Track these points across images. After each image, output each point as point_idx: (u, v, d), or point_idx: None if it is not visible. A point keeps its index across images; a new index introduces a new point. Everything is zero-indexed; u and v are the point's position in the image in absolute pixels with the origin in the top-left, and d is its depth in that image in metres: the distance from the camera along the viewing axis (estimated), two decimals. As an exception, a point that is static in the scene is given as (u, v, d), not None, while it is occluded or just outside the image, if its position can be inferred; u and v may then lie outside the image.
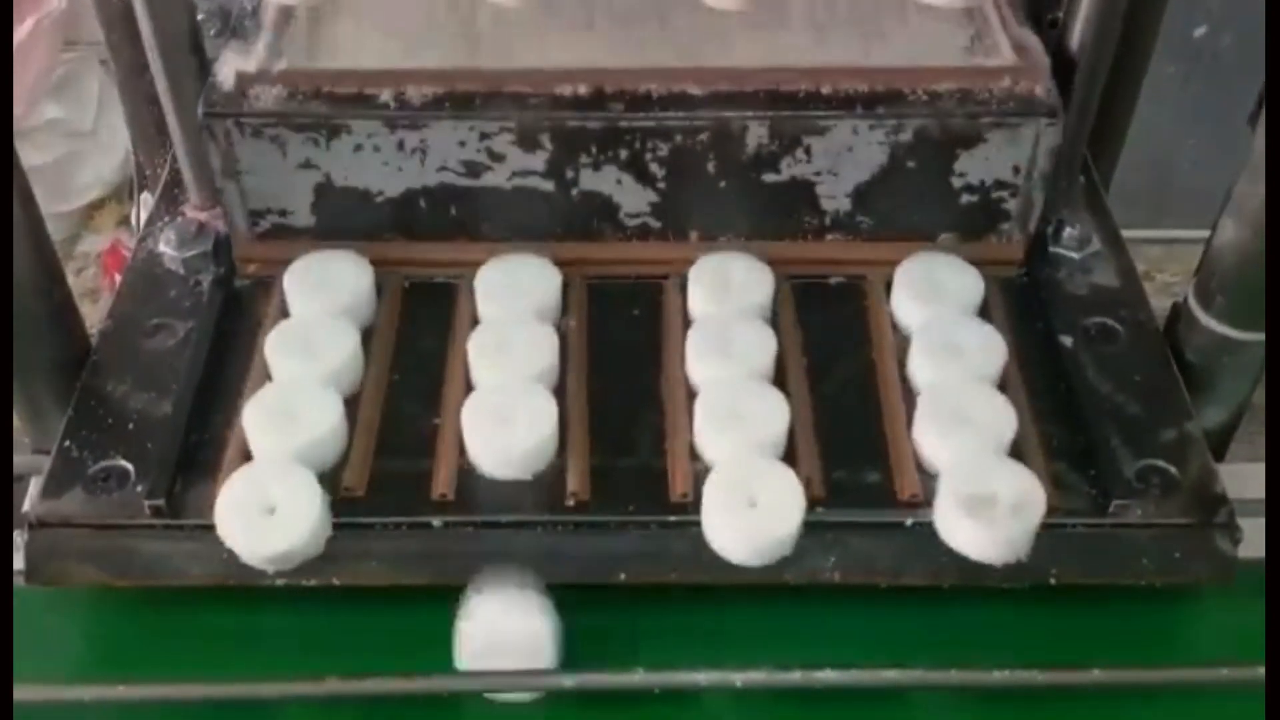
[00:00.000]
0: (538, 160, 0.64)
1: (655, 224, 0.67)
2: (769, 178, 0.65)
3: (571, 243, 0.67)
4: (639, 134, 0.63)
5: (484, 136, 0.63)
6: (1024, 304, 0.67)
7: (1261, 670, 0.50)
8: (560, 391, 0.61)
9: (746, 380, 0.61)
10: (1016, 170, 0.65)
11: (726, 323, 0.63)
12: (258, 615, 0.58)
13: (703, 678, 0.54)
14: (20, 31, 1.42)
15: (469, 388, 0.61)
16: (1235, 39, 1.39)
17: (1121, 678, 0.54)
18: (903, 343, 0.64)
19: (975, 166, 0.65)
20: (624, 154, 0.64)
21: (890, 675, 0.54)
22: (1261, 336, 0.63)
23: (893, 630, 0.57)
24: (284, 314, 0.64)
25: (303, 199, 0.66)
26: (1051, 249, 0.68)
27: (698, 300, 0.65)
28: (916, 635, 0.57)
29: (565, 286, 0.66)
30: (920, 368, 0.62)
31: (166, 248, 0.68)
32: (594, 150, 0.64)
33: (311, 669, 0.54)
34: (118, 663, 0.58)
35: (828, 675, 0.54)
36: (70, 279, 0.70)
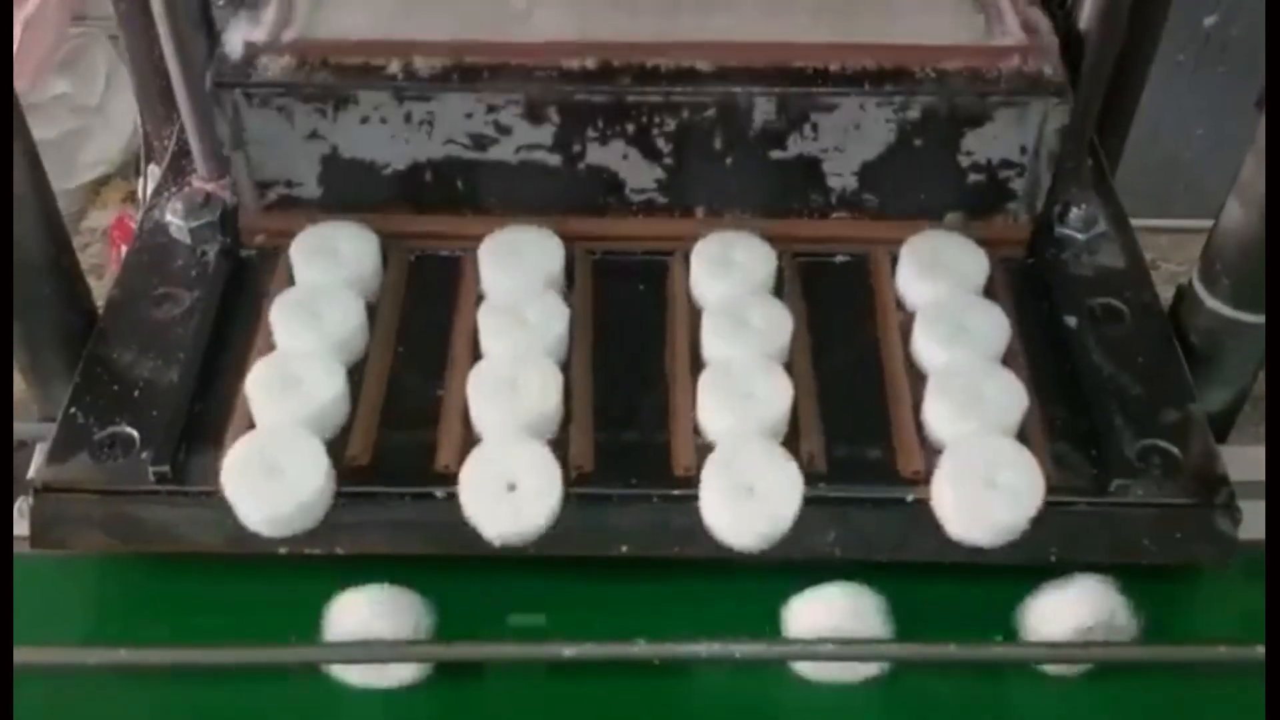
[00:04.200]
0: (544, 134, 0.64)
1: (661, 200, 0.67)
2: (776, 154, 0.65)
3: (577, 218, 0.67)
4: (646, 109, 0.63)
5: (491, 109, 0.63)
6: (1029, 284, 0.67)
7: (1260, 649, 0.50)
8: (565, 365, 0.61)
9: (753, 358, 0.61)
10: (1024, 150, 0.65)
11: (743, 301, 0.63)
12: (260, 583, 0.58)
13: (703, 649, 0.54)
14: (29, 5, 1.42)
15: (475, 359, 0.61)
16: (1245, 29, 1.39)
17: (1118, 654, 0.55)
18: (907, 321, 0.64)
19: (983, 145, 0.65)
20: (631, 128, 0.64)
21: (889, 649, 0.54)
22: (1264, 318, 0.63)
23: (893, 606, 0.57)
24: (290, 284, 0.64)
25: (310, 170, 0.66)
26: (1058, 230, 0.68)
27: (703, 278, 0.65)
28: (917, 611, 0.57)
29: (570, 262, 0.66)
30: (925, 346, 0.62)
31: (173, 218, 0.68)
32: (601, 124, 0.64)
33: (313, 636, 0.54)
34: (120, 628, 0.58)
35: (827, 648, 0.54)
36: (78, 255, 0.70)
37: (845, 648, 0.53)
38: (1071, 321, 0.64)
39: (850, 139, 0.64)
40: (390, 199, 0.67)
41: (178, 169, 0.72)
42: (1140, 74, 0.79)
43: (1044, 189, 0.67)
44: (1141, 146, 0.84)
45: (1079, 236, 0.68)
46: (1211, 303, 0.63)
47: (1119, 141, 0.82)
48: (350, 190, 0.67)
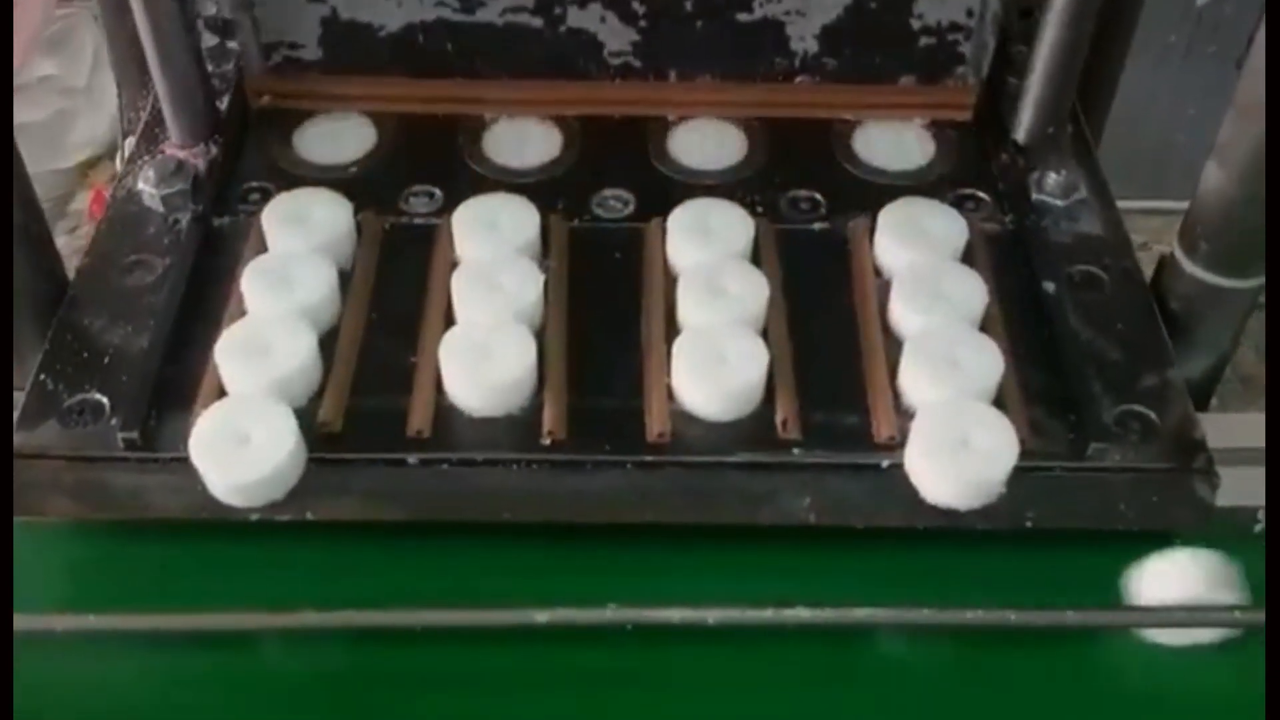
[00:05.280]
0: (527, -4, 0.68)
1: (636, 63, 0.71)
2: (742, 17, 0.69)
3: (559, 81, 0.72)
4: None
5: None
6: (1008, 250, 0.66)
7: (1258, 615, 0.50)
8: (540, 331, 0.61)
9: (727, 324, 0.60)
10: (970, 13, 0.69)
11: (719, 267, 0.63)
12: (232, 550, 0.57)
13: (675, 614, 0.54)
14: (16, -14, 1.41)
15: (449, 326, 0.60)
16: (1237, 8, 1.38)
17: (1096, 619, 0.54)
18: (885, 287, 0.64)
19: (933, 9, 0.69)
20: (607, -9, 0.68)
21: (862, 614, 0.54)
22: (1246, 284, 0.63)
23: (868, 570, 0.57)
24: (263, 251, 0.64)
25: (311, 32, 0.70)
26: (1036, 196, 0.68)
27: (679, 245, 0.65)
28: (892, 576, 0.57)
29: (546, 229, 0.66)
30: (901, 312, 0.62)
31: (145, 185, 0.67)
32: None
33: (285, 603, 0.54)
34: (90, 595, 0.57)
35: (800, 613, 0.53)
36: (64, 238, 0.69)
37: (819, 612, 0.53)
38: (1050, 287, 0.63)
39: (811, 2, 0.69)
40: (385, 62, 0.71)
41: (151, 137, 0.71)
42: (1121, 45, 0.79)
43: (989, 52, 0.72)
44: (1134, 128, 0.84)
45: (1058, 203, 0.67)
46: (1191, 269, 0.63)
47: (1102, 111, 0.82)
48: (348, 53, 0.71)
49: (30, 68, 1.52)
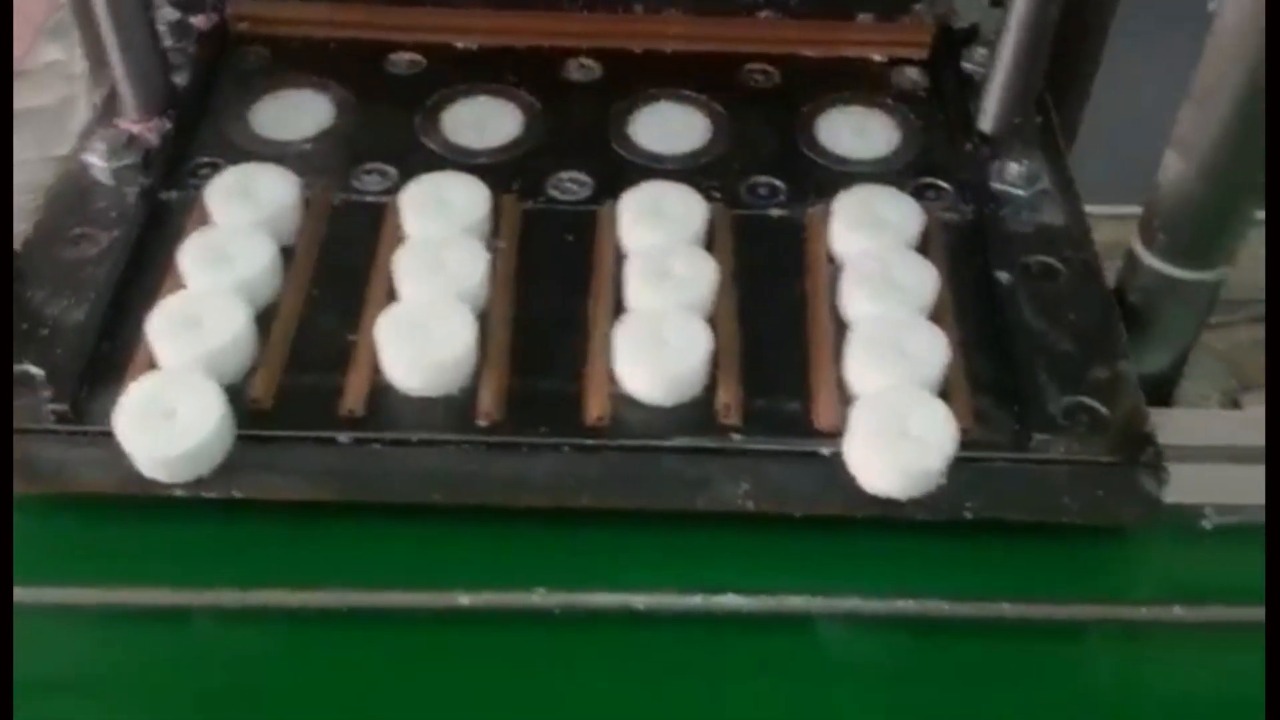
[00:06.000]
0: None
1: None
2: None
3: (525, 11, 0.75)
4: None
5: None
6: (966, 240, 0.65)
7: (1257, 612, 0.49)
8: (484, 312, 0.60)
9: (673, 308, 0.59)
10: None
11: (668, 250, 0.62)
12: (160, 527, 0.57)
13: (603, 599, 0.53)
14: (20, -29, 1.41)
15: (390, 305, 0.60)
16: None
17: (1031, 613, 0.53)
18: (838, 274, 0.63)
19: None
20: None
21: (795, 602, 0.53)
22: (1206, 276, 0.62)
23: (805, 560, 0.56)
24: (206, 225, 0.63)
25: None
26: (997, 185, 0.67)
27: (631, 228, 0.64)
28: (830, 566, 0.56)
29: (497, 210, 0.65)
30: (850, 298, 0.61)
31: (96, 159, 0.67)
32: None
33: (212, 582, 0.53)
34: (19, 568, 0.57)
35: (730, 600, 0.53)
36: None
37: (750, 599, 0.52)
38: (1004, 277, 0.62)
39: None
40: None
41: (107, 110, 0.71)
42: (1097, 38, 0.78)
43: None
44: (1139, 133, 0.82)
45: (1020, 193, 0.66)
46: (1149, 260, 0.62)
47: (1078, 104, 0.80)
48: None
49: (36, 53, 1.52)
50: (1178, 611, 0.53)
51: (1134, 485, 0.55)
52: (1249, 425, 0.63)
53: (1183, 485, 0.56)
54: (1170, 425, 0.60)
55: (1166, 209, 0.60)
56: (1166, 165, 0.60)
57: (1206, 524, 0.58)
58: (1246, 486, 0.59)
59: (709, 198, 0.66)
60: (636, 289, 0.60)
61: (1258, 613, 0.53)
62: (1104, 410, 0.57)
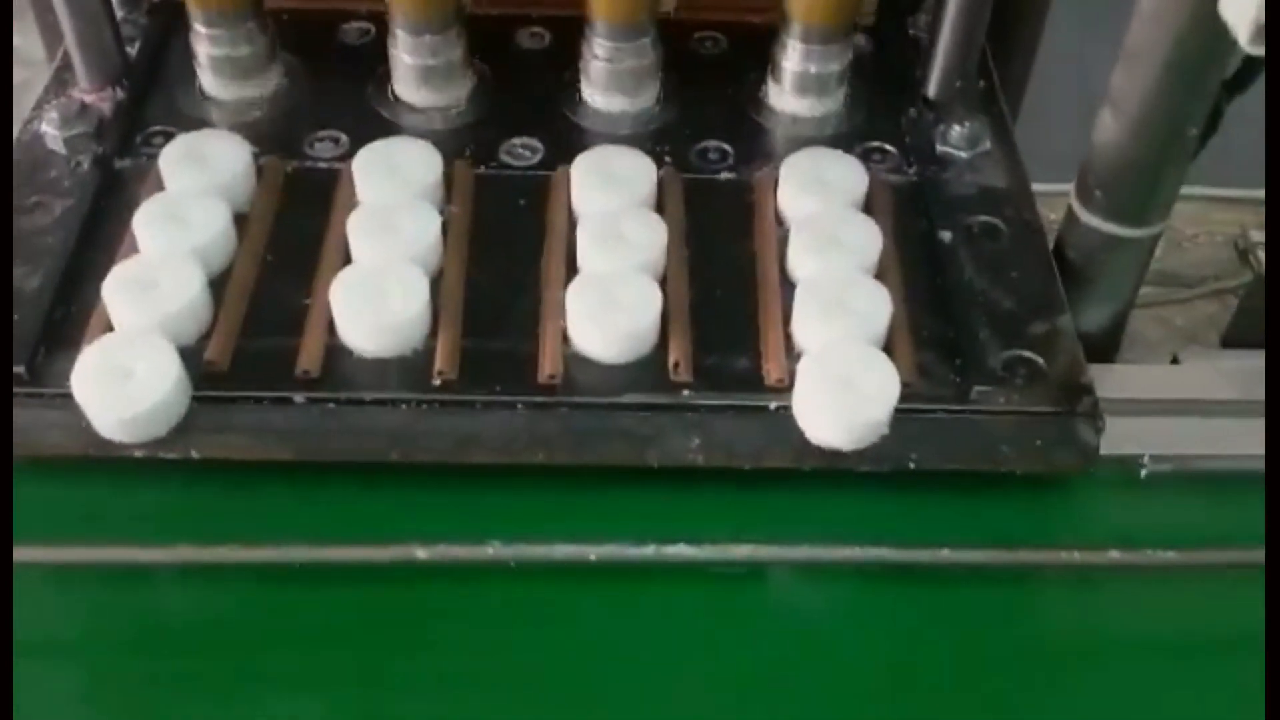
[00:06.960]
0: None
1: None
2: None
3: None
4: None
5: None
6: (910, 201, 0.67)
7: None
8: (437, 274, 0.61)
9: (625, 269, 0.60)
10: None
11: (619, 213, 0.63)
12: (120, 488, 0.57)
13: (558, 551, 0.54)
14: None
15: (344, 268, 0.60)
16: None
17: (972, 558, 0.55)
18: (786, 236, 0.64)
19: None
20: None
21: (741, 551, 0.54)
22: (1142, 232, 0.63)
23: (754, 512, 0.57)
24: (160, 192, 0.64)
25: None
26: (940, 148, 0.68)
27: (583, 191, 0.65)
28: (779, 517, 0.57)
29: (450, 175, 0.66)
30: (797, 258, 0.62)
31: (49, 128, 0.67)
32: None
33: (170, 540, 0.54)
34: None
35: (681, 550, 0.54)
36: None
37: (699, 549, 0.53)
38: (946, 236, 0.64)
39: None
40: None
41: (60, 81, 0.71)
42: (1039, 3, 0.79)
43: None
44: (1084, 97, 0.84)
45: (962, 155, 0.68)
46: (1087, 218, 0.63)
47: (1023, 72, 0.82)
48: None
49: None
50: (1114, 555, 0.55)
51: (1072, 435, 0.57)
52: (1188, 379, 0.65)
53: (1122, 436, 0.58)
54: (1110, 380, 0.62)
55: (1102, 167, 0.61)
56: (1100, 124, 0.61)
57: (1144, 473, 0.59)
58: (1184, 437, 0.61)
59: (659, 162, 0.67)
60: (588, 251, 0.61)
61: (1192, 556, 0.56)
62: (1042, 362, 0.59)
